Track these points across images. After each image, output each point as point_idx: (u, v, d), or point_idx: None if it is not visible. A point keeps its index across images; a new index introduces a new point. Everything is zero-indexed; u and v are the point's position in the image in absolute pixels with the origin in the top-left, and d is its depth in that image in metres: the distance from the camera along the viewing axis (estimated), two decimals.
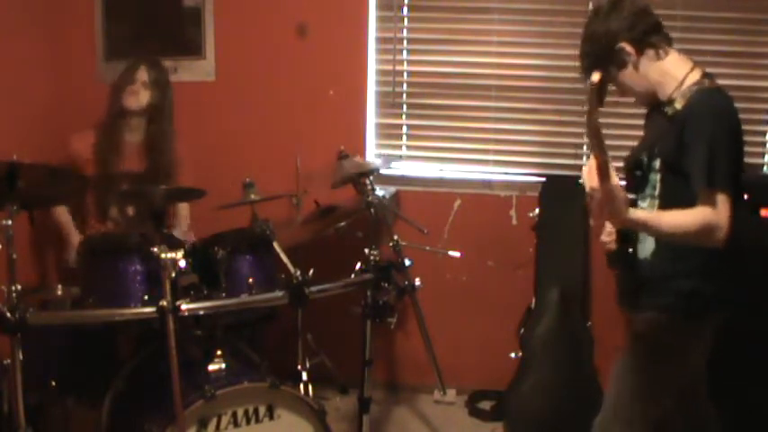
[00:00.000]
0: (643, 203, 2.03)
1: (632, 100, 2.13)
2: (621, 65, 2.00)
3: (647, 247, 2.02)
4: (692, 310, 1.97)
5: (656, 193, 1.99)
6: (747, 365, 2.66)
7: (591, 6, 3.33)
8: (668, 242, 1.93)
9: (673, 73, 1.98)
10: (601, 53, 2.01)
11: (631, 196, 1.93)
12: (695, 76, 1.96)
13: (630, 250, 2.03)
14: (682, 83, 1.95)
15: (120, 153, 2.95)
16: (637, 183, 2.05)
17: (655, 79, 2.00)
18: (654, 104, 2.07)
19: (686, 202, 1.85)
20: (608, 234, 2.12)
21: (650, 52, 1.99)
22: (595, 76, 1.59)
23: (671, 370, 2.01)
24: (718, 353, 2.11)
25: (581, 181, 1.83)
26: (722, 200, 1.82)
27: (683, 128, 1.87)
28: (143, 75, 2.95)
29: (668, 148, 1.93)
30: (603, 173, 1.68)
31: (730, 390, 2.47)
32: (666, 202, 1.95)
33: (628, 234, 2.03)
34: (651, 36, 1.98)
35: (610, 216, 1.74)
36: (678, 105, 1.91)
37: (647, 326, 2.04)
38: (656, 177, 1.99)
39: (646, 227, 1.88)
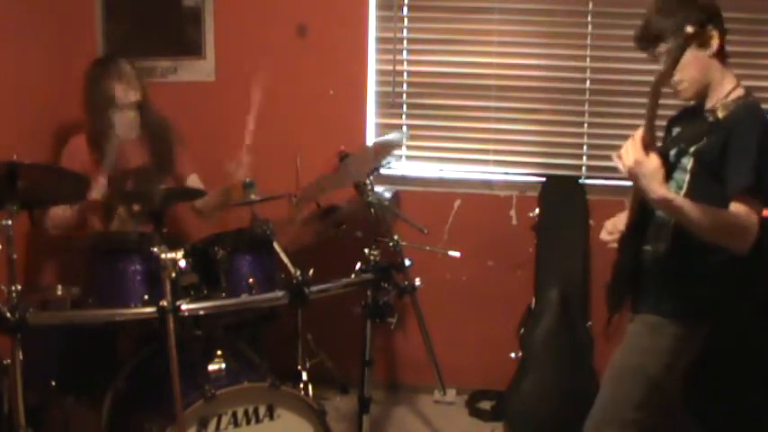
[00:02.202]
0: None
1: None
2: (701, 46, 1.91)
3: (661, 246, 2.01)
4: (692, 315, 1.97)
5: (683, 192, 1.96)
6: (747, 368, 2.66)
7: (591, 6, 3.33)
8: (686, 242, 1.91)
9: (724, 82, 1.97)
10: (689, 24, 1.79)
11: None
12: (739, 91, 1.96)
13: (647, 248, 2.02)
14: (727, 95, 1.95)
15: (121, 149, 2.84)
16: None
17: (713, 79, 1.97)
18: (690, 106, 2.06)
19: (713, 205, 1.85)
20: (608, 233, 2.11)
21: (723, 51, 1.96)
22: (690, 28, 1.56)
23: (662, 373, 2.00)
24: (718, 355, 2.11)
25: (614, 161, 1.84)
26: (758, 209, 1.84)
27: (729, 137, 1.86)
28: (128, 68, 2.87)
29: (710, 154, 1.91)
30: (647, 146, 1.74)
31: (730, 391, 2.47)
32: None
33: (639, 233, 2.02)
34: (725, 39, 1.96)
35: (645, 191, 1.78)
36: (720, 114, 1.87)
37: (644, 329, 2.03)
38: (682, 177, 1.97)
39: (680, 210, 1.83)
